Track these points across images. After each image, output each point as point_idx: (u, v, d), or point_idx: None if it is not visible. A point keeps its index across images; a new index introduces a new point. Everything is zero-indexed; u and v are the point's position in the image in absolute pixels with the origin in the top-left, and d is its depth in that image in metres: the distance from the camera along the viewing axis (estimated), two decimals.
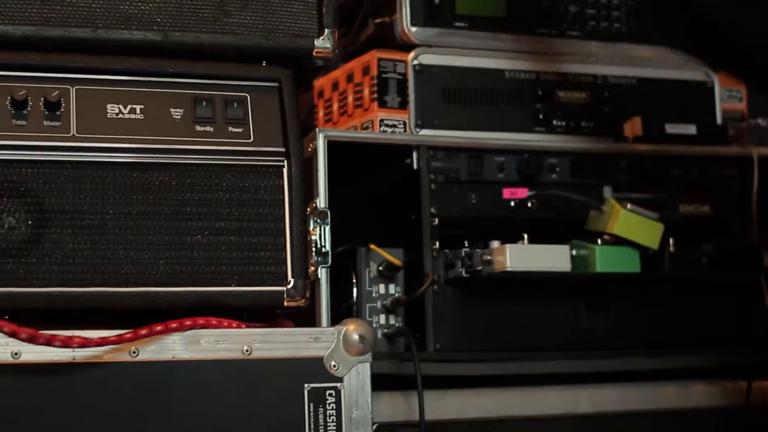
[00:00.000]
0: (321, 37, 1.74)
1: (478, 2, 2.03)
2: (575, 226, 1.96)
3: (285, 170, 1.67)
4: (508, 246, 1.83)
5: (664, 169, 2.05)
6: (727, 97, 2.21)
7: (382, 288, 1.85)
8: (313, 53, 1.73)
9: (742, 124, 2.16)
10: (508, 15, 2.05)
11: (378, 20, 2.03)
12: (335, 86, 2.06)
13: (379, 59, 1.94)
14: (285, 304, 1.62)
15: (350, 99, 2.00)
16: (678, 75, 2.14)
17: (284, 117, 1.69)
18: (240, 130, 1.66)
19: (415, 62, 1.96)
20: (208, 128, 1.65)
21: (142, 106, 1.64)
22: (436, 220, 1.89)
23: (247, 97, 1.68)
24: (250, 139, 1.66)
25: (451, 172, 1.91)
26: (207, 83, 1.68)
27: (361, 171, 1.96)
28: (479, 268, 1.84)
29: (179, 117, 1.65)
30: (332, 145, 1.82)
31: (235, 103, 1.67)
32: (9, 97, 1.57)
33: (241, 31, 1.70)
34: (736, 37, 1.51)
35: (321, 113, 2.10)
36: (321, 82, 2.10)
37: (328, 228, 1.76)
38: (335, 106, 2.06)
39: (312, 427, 1.52)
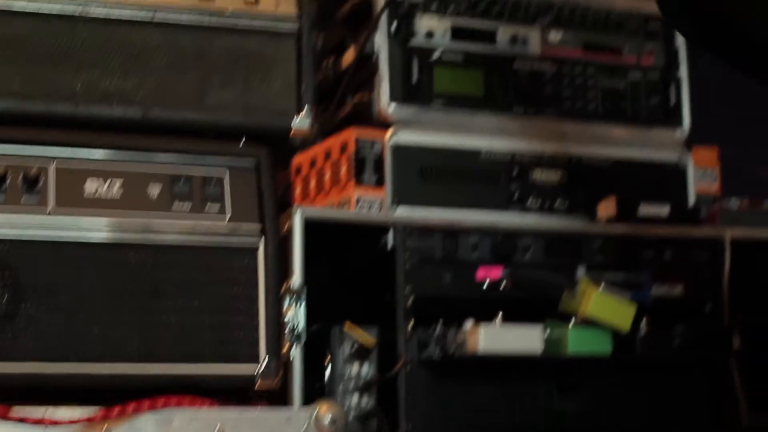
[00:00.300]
0: (300, 116, 1.75)
1: (456, 81, 2.05)
2: (550, 304, 1.96)
3: (261, 249, 1.68)
4: (481, 327, 1.84)
5: (637, 250, 2.06)
6: (701, 178, 2.23)
7: (355, 367, 1.85)
8: (292, 132, 1.75)
9: (715, 205, 2.18)
10: (485, 94, 2.07)
11: (356, 98, 2.06)
12: (313, 163, 2.07)
13: (357, 137, 1.96)
14: (257, 385, 1.63)
15: (327, 176, 2.02)
16: (652, 155, 2.16)
17: (261, 195, 1.70)
18: (217, 208, 1.67)
19: (393, 141, 1.98)
20: (185, 206, 1.66)
21: (120, 183, 1.65)
22: (411, 299, 1.89)
23: (225, 174, 1.70)
24: (226, 217, 1.67)
25: (426, 251, 1.92)
26: (186, 160, 1.69)
27: (338, 248, 1.97)
28: (452, 349, 1.85)
29: (157, 194, 1.66)
30: (309, 223, 1.83)
31: (213, 181, 1.69)
32: None
33: (221, 108, 1.73)
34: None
35: (298, 190, 2.12)
36: (299, 159, 2.12)
37: (303, 306, 1.77)
38: (312, 183, 2.07)
39: None
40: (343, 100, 2.10)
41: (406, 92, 2.01)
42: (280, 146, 1.78)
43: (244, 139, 1.73)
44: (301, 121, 1.75)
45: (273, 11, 1.78)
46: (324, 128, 2.12)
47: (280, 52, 1.77)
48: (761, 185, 2.86)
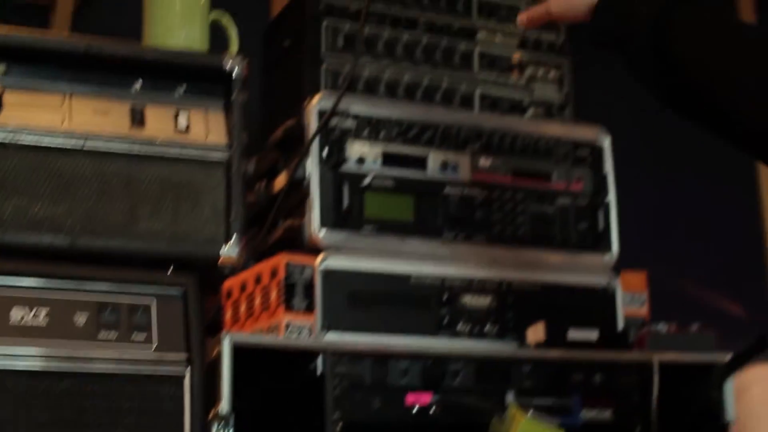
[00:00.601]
0: (228, 245, 1.76)
1: (386, 207, 2.07)
2: (480, 430, 1.97)
3: (187, 378, 1.68)
4: None
5: (566, 374, 2.07)
6: (629, 302, 2.26)
7: None
8: (220, 260, 1.76)
9: (644, 330, 2.20)
10: (416, 219, 2.09)
11: (288, 222, 2.07)
12: (243, 287, 2.08)
13: (287, 263, 1.97)
14: None
15: (257, 301, 2.02)
16: (581, 280, 2.19)
17: (188, 324, 1.70)
18: (143, 336, 1.67)
19: (323, 266, 1.99)
20: (111, 334, 1.66)
21: (46, 311, 1.64)
22: (340, 425, 1.89)
23: (152, 302, 1.70)
24: (153, 346, 1.67)
25: (355, 377, 1.93)
26: (113, 288, 1.70)
27: (267, 373, 1.96)
28: None
29: (83, 322, 1.65)
30: (238, 348, 1.82)
31: (140, 310, 1.69)
32: None
33: (150, 237, 1.73)
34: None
35: (229, 314, 2.12)
36: (230, 283, 2.12)
37: None
38: (243, 308, 2.08)
39: None
40: (275, 224, 2.11)
41: (336, 218, 2.03)
42: (209, 273, 1.79)
43: (172, 268, 1.74)
44: (229, 250, 1.76)
45: (203, 141, 1.80)
46: (256, 252, 2.13)
47: (210, 180, 1.79)
48: (690, 309, 2.90)
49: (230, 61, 1.83)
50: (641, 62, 1.61)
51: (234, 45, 1.99)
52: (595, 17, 1.68)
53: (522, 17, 1.88)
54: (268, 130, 2.23)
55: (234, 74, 1.82)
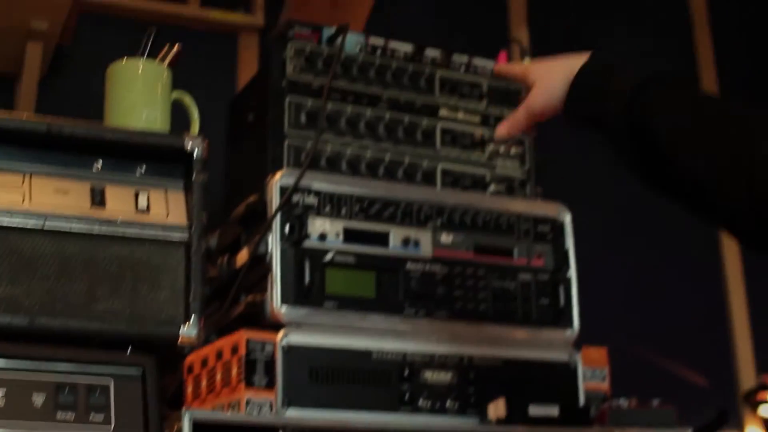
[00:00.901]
0: (187, 325, 1.77)
1: (348, 283, 2.08)
2: None
3: None
4: None
5: None
6: (591, 377, 2.27)
7: None
8: (179, 340, 1.76)
9: (605, 405, 2.21)
10: (377, 296, 2.10)
11: (249, 298, 2.08)
12: (205, 363, 2.08)
13: (248, 339, 1.97)
14: None
15: (218, 377, 2.02)
16: (542, 355, 2.20)
17: (146, 404, 1.70)
18: (101, 417, 1.67)
19: (284, 342, 1.99)
20: (69, 415, 1.66)
21: (3, 392, 1.64)
22: None
23: (110, 383, 1.70)
24: (111, 427, 1.67)
25: None
26: (71, 368, 1.70)
27: None
28: None
29: (41, 403, 1.65)
30: (197, 425, 1.82)
31: (98, 390, 1.69)
32: None
33: (109, 317, 1.73)
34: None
35: (190, 389, 2.12)
36: (191, 358, 2.12)
37: None
38: (204, 383, 2.08)
39: None
40: (237, 299, 2.12)
41: (298, 294, 2.04)
42: (168, 352, 1.79)
43: (131, 348, 1.74)
44: (188, 330, 1.76)
45: (163, 221, 1.80)
46: (218, 326, 2.14)
47: (169, 260, 1.79)
48: (652, 383, 2.92)
49: (191, 141, 1.84)
50: (618, 140, 1.63)
51: (195, 125, 2.00)
52: (570, 96, 1.69)
53: (501, 129, 1.83)
54: (232, 204, 2.25)
55: (195, 155, 1.83)
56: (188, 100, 2.01)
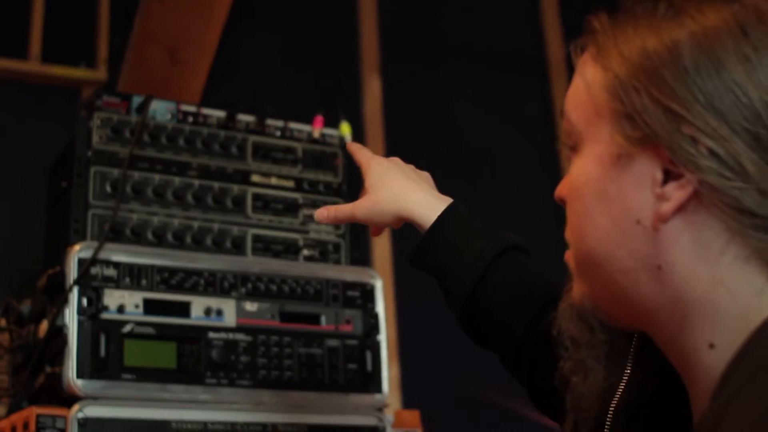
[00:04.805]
0: None
1: (147, 355, 2.09)
2: None
3: None
4: None
5: None
6: None
7: None
8: None
9: None
10: (178, 366, 2.11)
11: (49, 370, 2.08)
12: None
13: (38, 415, 1.97)
14: None
15: None
16: (349, 420, 2.21)
17: None
18: None
19: (80, 415, 1.99)
20: None
21: None
22: None
23: None
24: None
25: None
26: None
27: None
28: None
29: None
30: None
31: None
32: None
33: None
34: None
35: None
36: None
37: None
38: None
39: None
40: (42, 369, 2.12)
41: (94, 367, 2.03)
42: None
43: None
44: None
45: None
46: (23, 397, 2.14)
47: None
48: None
49: None
50: (453, 295, 1.66)
51: None
52: (425, 241, 1.67)
53: (322, 213, 1.80)
54: (46, 271, 2.24)
55: None
56: None
